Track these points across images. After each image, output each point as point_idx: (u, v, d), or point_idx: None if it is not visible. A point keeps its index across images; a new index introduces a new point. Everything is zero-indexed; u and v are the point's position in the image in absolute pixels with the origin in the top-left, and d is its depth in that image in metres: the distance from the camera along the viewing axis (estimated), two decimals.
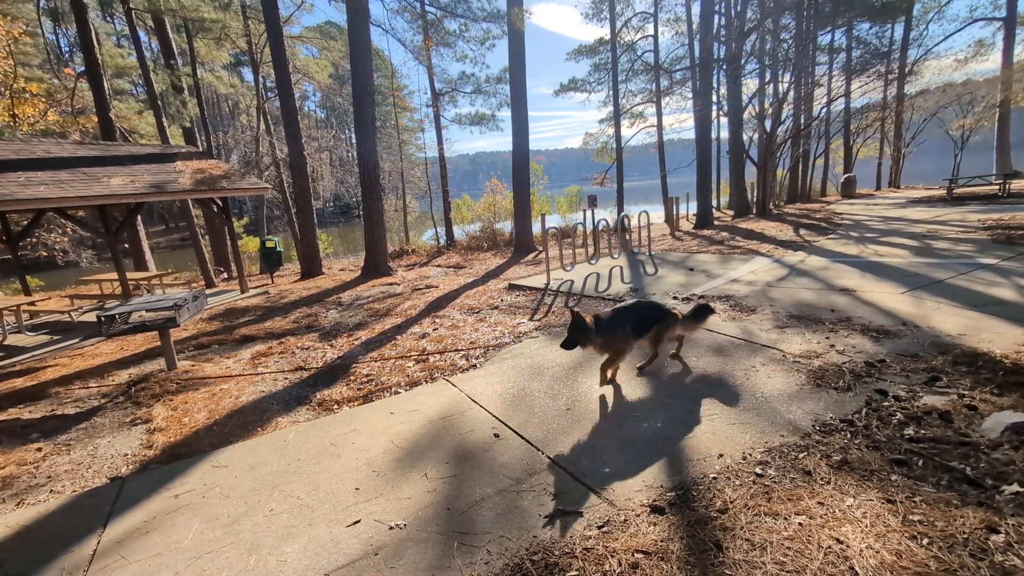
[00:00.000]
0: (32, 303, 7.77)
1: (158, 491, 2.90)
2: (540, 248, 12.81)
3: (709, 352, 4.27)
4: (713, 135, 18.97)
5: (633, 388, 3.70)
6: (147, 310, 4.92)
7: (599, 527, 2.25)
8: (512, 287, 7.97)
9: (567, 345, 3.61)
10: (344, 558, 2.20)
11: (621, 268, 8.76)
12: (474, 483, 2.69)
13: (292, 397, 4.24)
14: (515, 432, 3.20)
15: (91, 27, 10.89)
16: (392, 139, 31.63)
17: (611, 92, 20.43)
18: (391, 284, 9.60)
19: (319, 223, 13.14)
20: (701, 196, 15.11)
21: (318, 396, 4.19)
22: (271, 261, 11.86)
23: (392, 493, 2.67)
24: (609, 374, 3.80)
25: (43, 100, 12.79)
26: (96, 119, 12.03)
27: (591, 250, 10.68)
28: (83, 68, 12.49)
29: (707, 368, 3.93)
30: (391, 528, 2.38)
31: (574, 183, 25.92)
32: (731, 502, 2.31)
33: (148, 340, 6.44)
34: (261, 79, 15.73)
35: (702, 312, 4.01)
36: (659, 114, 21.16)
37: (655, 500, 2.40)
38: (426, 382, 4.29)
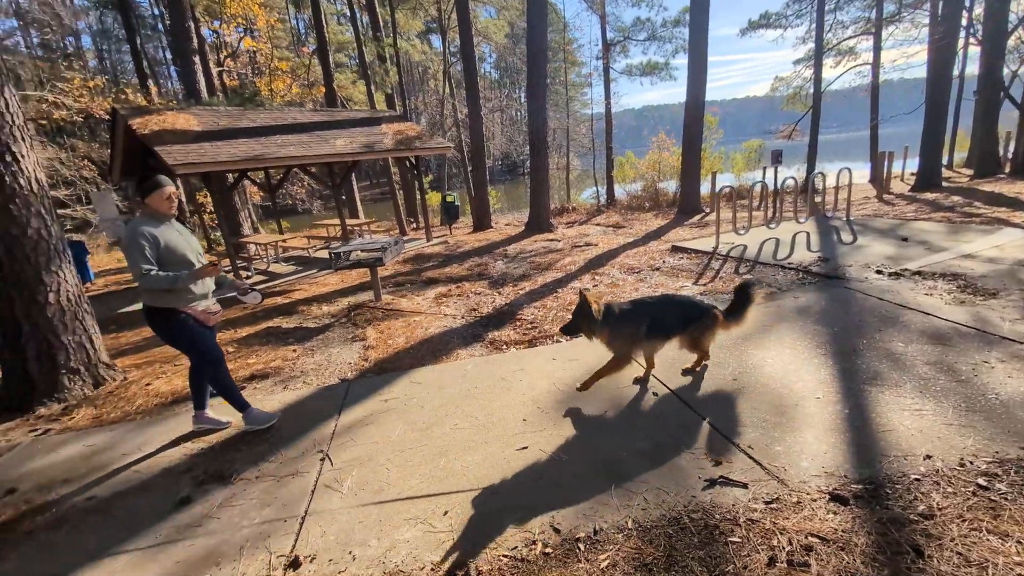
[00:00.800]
0: (284, 240, 10.14)
1: (372, 395, 3.65)
2: (708, 210, 11.71)
3: (923, 338, 3.53)
4: (954, 71, 14.37)
5: (818, 368, 3.30)
6: (362, 250, 6.02)
7: (766, 502, 2.15)
8: (675, 249, 7.55)
9: (567, 330, 3.22)
10: (513, 475, 2.52)
11: (807, 234, 7.56)
12: (631, 435, 2.77)
13: (468, 334, 4.82)
14: (675, 394, 3.16)
15: (322, 10, 13.02)
16: (559, 96, 31.52)
17: (814, 25, 16.70)
18: (552, 240, 9.92)
19: (489, 180, 14.08)
20: (928, 149, 11.86)
21: (490, 336, 4.69)
22: (450, 214, 13.22)
23: (554, 430, 2.91)
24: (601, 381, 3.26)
25: (289, 76, 16.02)
26: (323, 89, 14.60)
27: (770, 212, 9.39)
28: (315, 47, 15.13)
29: (918, 357, 3.27)
30: (553, 459, 2.62)
31: (754, 137, 22.58)
32: (939, 509, 1.98)
33: (360, 276, 7.88)
34: (447, 44, 17.02)
35: (742, 302, 3.29)
36: (876, 48, 16.67)
37: (836, 489, 2.18)
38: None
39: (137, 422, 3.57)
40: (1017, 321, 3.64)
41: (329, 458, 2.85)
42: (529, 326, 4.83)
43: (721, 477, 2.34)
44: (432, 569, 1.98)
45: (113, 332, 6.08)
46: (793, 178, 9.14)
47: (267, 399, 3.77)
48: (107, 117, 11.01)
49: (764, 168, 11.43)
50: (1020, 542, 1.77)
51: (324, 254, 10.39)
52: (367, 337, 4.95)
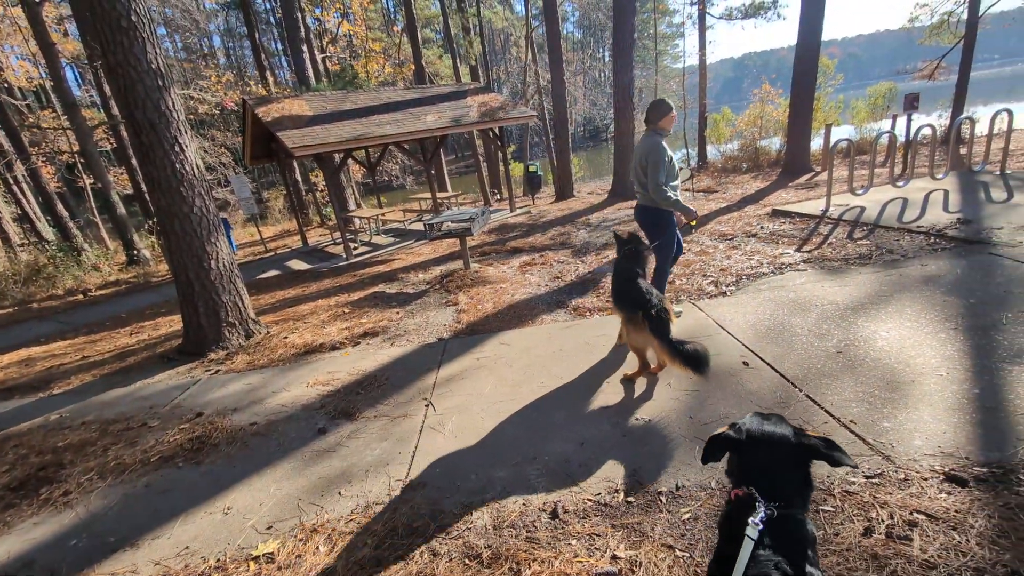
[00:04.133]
0: (384, 214, 10.98)
1: (466, 353, 3.99)
2: (818, 169, 10.49)
3: None
4: None
5: (944, 343, 2.99)
6: (452, 221, 6.38)
7: (867, 477, 2.09)
8: (776, 213, 6.97)
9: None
10: (598, 432, 2.68)
11: (946, 192, 6.53)
12: (717, 401, 2.78)
13: (553, 301, 4.98)
14: (767, 364, 3.07)
15: None
16: (647, 52, 29.53)
17: None
18: None
19: (571, 147, 13.86)
20: None
21: (573, 302, 4.81)
22: (533, 184, 13.31)
23: (638, 392, 3.00)
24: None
25: (382, 56, 16.86)
26: (413, 67, 15.19)
27: (898, 168, 8.20)
28: (404, 24, 15.68)
29: None
30: (637, 419, 2.73)
31: (883, 80, 19.36)
32: None
33: (449, 246, 8.35)
34: (529, 6, 16.69)
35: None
36: None
37: (954, 470, 2.05)
38: (671, 303, 4.39)
39: (280, 367, 4.27)
40: None
41: (432, 405, 3.22)
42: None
43: None
44: (524, 503, 2.23)
45: (254, 295, 7.15)
46: (931, 126, 7.86)
47: (379, 352, 4.28)
48: (237, 108, 12.50)
49: (894, 116, 9.85)
50: None
51: (418, 226, 11.09)
52: (459, 302, 5.32)
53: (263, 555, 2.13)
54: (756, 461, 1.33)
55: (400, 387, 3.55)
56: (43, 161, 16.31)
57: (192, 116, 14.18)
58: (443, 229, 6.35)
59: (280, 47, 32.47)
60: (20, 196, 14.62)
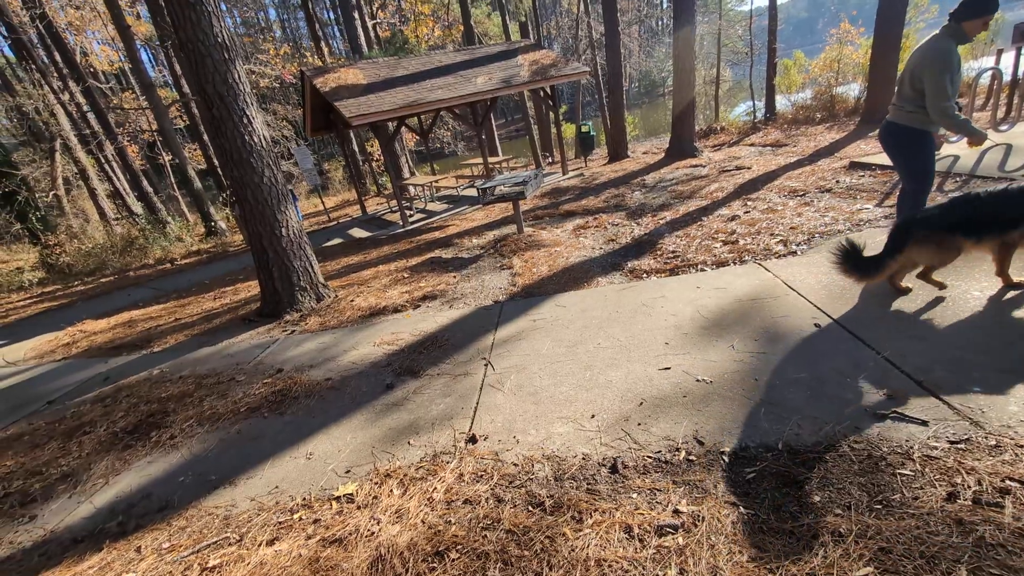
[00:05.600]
0: (437, 181, 11.12)
1: (522, 315, 4.05)
2: None
3: None
4: None
5: None
6: (504, 185, 6.36)
7: (951, 442, 1.97)
8: (854, 166, 6.38)
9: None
10: (657, 391, 2.67)
11: None
12: (786, 364, 2.67)
13: (608, 263, 4.91)
14: (842, 326, 2.90)
15: None
16: None
17: None
18: (696, 166, 9.13)
19: (625, 105, 13.21)
20: None
21: (629, 265, 4.72)
22: (585, 145, 12.91)
23: (698, 354, 2.94)
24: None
25: (431, 19, 16.61)
26: (462, 28, 14.88)
27: (1001, 112, 7.19)
28: None
29: None
30: (698, 380, 2.69)
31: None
32: None
33: (502, 211, 8.35)
34: None
35: None
36: None
37: None
38: (734, 263, 4.20)
39: (349, 328, 4.56)
40: None
41: (491, 364, 3.33)
42: (670, 255, 4.72)
43: (895, 412, 2.18)
44: (583, 457, 2.30)
45: (320, 262, 7.54)
46: None
47: (438, 314, 4.44)
48: (296, 80, 12.86)
49: (999, 51, 8.56)
50: None
51: (471, 192, 11.14)
52: (513, 266, 5.36)
53: (343, 495, 2.35)
54: None
55: (460, 347, 3.69)
56: (128, 141, 17.72)
57: (254, 90, 14.80)
58: (496, 194, 6.36)
59: (332, 16, 32.77)
60: (111, 174, 16.07)
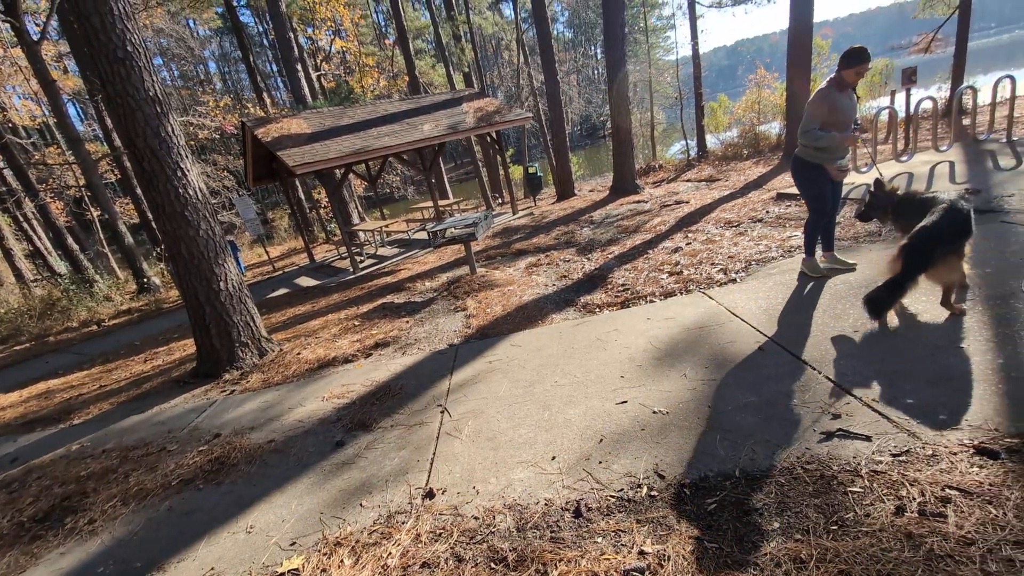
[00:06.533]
0: (387, 225, 11.04)
1: (477, 357, 3.97)
2: None
3: None
4: None
5: (961, 318, 2.93)
6: (455, 227, 6.39)
7: (894, 455, 2.05)
8: (781, 196, 6.91)
9: (862, 216, 3.59)
10: (616, 427, 2.65)
11: (951, 164, 6.44)
12: (736, 389, 2.74)
13: (561, 300, 4.96)
14: (784, 348, 3.03)
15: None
16: (639, 45, 29.51)
17: None
18: (639, 202, 9.59)
19: (569, 147, 13.85)
20: None
21: (582, 300, 4.79)
22: (533, 185, 13.32)
23: (653, 385, 2.97)
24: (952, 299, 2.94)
25: (376, 70, 17.03)
26: (407, 78, 15.30)
27: (901, 144, 8.11)
28: (395, 36, 15.80)
29: None
30: (654, 412, 2.70)
31: (877, 57, 19.10)
32: None
33: (454, 253, 8.36)
34: (518, 11, 16.75)
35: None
36: None
37: (984, 442, 1.99)
38: (680, 293, 4.35)
39: (295, 383, 4.29)
40: None
41: (447, 411, 3.21)
42: (621, 288, 4.84)
43: (840, 430, 2.26)
44: (546, 503, 2.21)
45: (264, 314, 7.20)
46: (931, 98, 7.77)
47: (391, 362, 4.28)
48: (236, 131, 12.64)
49: (892, 92, 9.76)
50: None
51: (422, 235, 11.12)
52: (467, 307, 5.31)
53: (288, 571, 2.12)
54: None
55: (414, 395, 3.55)
56: (51, 197, 16.61)
57: (193, 142, 14.40)
58: (447, 236, 6.37)
59: (275, 68, 32.88)
60: (31, 233, 14.88)
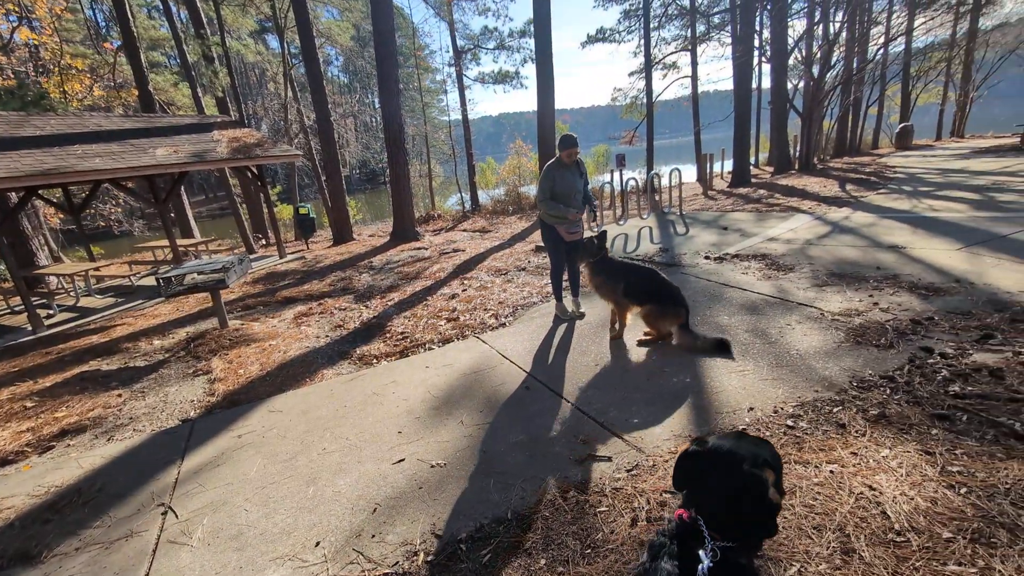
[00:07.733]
0: (97, 269, 8.38)
1: (223, 431, 3.22)
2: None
3: (742, 311, 4.25)
4: (754, 84, 17.63)
5: (661, 347, 3.78)
6: (199, 272, 5.26)
7: (628, 470, 2.39)
8: (539, 249, 8.02)
9: (584, 248, 4.21)
10: (392, 490, 2.44)
11: (650, 228, 8.66)
12: (507, 430, 2.87)
13: (334, 352, 4.52)
14: (545, 386, 3.36)
15: (126, 1, 11.06)
16: (415, 102, 31.23)
17: (642, 41, 18.99)
18: (419, 248, 9.79)
19: (347, 190, 13.34)
20: (738, 151, 14.42)
21: (358, 351, 4.46)
22: (305, 227, 12.23)
23: (432, 436, 2.89)
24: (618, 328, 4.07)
25: (88, 76, 13.27)
26: (136, 92, 12.42)
27: (619, 211, 10.53)
28: (120, 42, 12.79)
29: (740, 326, 3.93)
30: (432, 466, 2.60)
31: (601, 142, 25.02)
32: None
33: (200, 302, 6.88)
34: (286, 45, 15.73)
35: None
36: (694, 63, 19.68)
37: (682, 448, 2.52)
38: (458, 339, 4.48)
39: None
40: (808, 289, 4.53)
41: (172, 510, 2.45)
42: (400, 337, 4.71)
43: (588, 455, 2.55)
44: None
45: None
46: (635, 179, 10.37)
47: (87, 455, 3.10)
48: None
49: (611, 171, 12.71)
50: (818, 467, 2.21)
51: (152, 281, 8.85)
52: (213, 369, 4.34)
53: None
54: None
55: (122, 495, 2.62)
56: None
57: None
58: (186, 283, 5.17)
59: None
60: None
